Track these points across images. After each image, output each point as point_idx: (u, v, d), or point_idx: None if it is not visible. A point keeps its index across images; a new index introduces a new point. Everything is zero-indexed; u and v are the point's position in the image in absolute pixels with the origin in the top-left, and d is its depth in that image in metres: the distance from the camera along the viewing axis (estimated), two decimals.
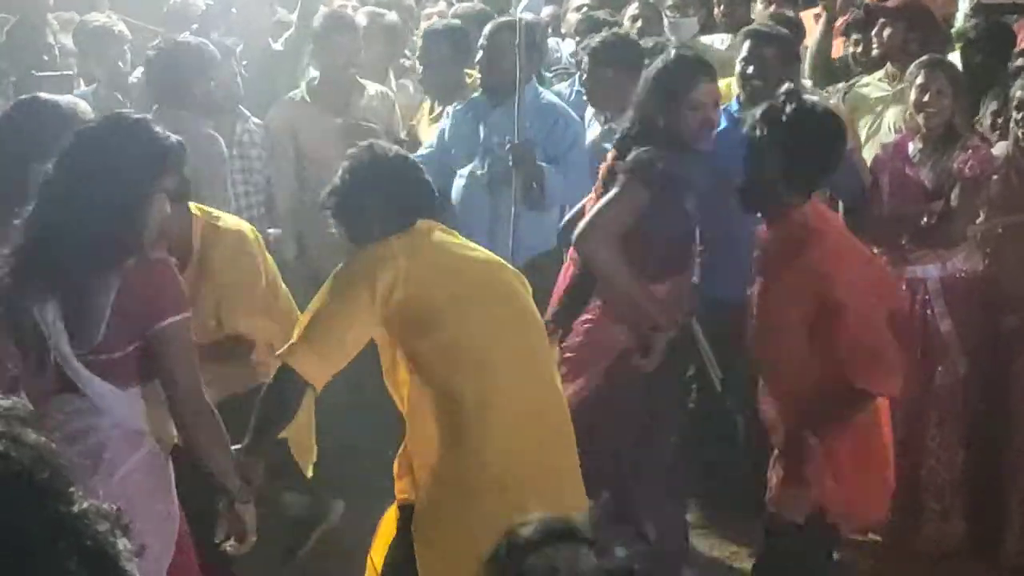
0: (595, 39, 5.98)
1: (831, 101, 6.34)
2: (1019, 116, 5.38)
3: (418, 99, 6.64)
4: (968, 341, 5.47)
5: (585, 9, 7.73)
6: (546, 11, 7.54)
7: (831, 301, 3.95)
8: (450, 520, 3.76)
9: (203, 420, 3.54)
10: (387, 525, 4.05)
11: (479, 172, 5.71)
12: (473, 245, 4.01)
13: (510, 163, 5.48)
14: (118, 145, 3.37)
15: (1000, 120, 5.76)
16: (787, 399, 4.17)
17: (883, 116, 6.30)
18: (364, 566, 4.12)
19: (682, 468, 4.89)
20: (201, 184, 4.52)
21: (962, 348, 5.46)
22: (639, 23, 7.10)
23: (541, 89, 5.95)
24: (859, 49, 6.76)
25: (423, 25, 7.53)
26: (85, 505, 1.53)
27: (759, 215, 4.28)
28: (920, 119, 5.50)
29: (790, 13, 7.10)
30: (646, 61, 5.36)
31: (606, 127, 5.82)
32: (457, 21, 6.55)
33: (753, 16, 7.14)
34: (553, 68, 7.39)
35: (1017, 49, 6.19)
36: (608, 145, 5.11)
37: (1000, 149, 5.55)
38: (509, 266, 4.08)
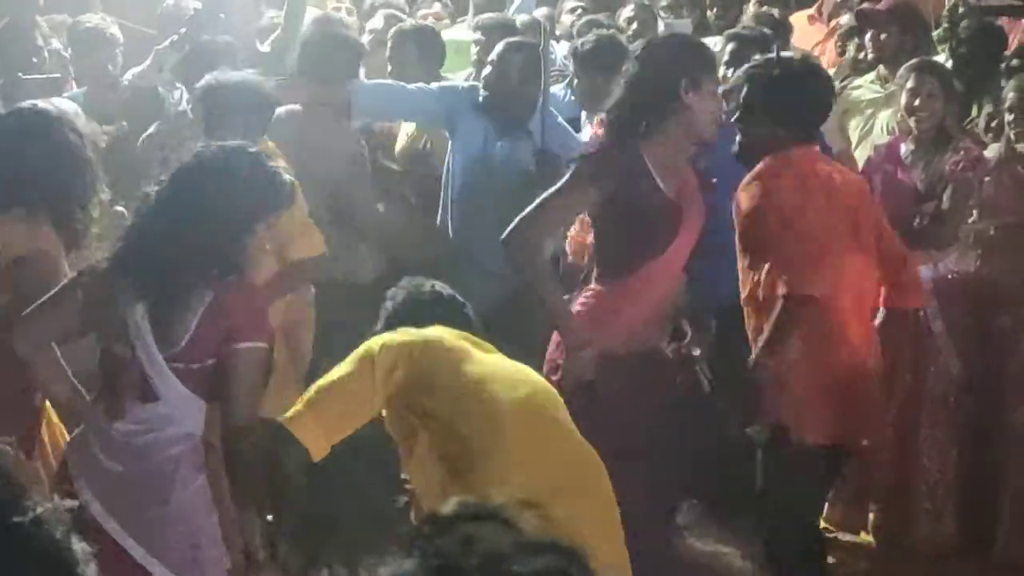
0: (583, 44, 5.97)
1: None
2: (1011, 118, 5.39)
3: None
4: (960, 342, 5.48)
5: (579, 11, 7.70)
6: (538, 13, 7.50)
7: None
8: None
9: (248, 450, 3.59)
10: None
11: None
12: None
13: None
14: (238, 175, 3.57)
15: (994, 122, 5.76)
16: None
17: (875, 118, 6.30)
18: None
19: (666, 479, 4.77)
20: None
21: (954, 349, 5.46)
22: (635, 25, 7.09)
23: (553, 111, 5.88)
24: (860, 55, 6.75)
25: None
26: (39, 511, 1.50)
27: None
28: (911, 123, 5.51)
29: (775, 12, 7.09)
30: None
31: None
32: (428, 23, 6.58)
33: (746, 18, 7.13)
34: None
35: (1008, 51, 6.18)
36: None
37: (992, 151, 5.56)
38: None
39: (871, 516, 5.59)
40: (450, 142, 5.83)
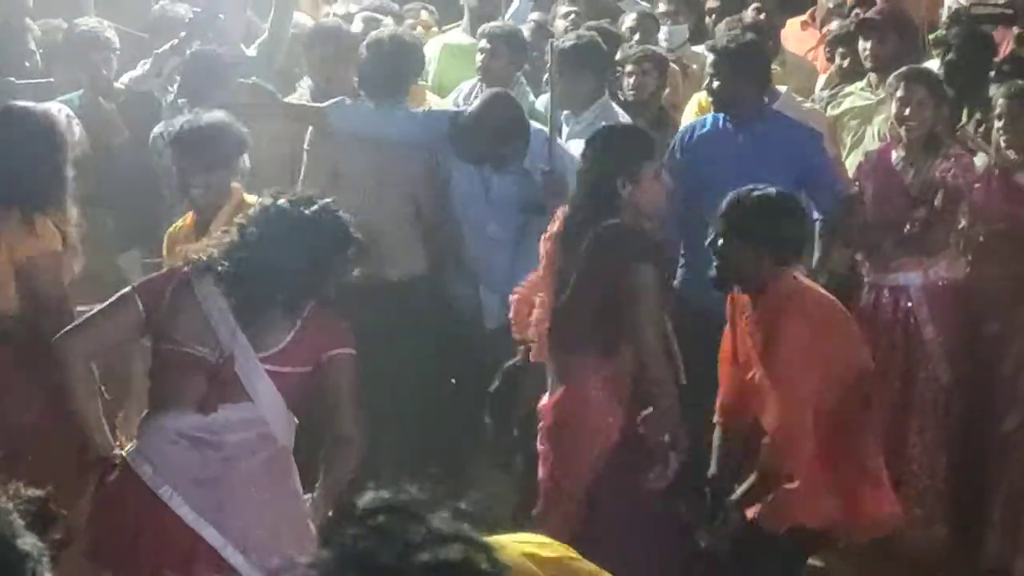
0: (565, 42, 5.98)
1: (813, 107, 6.37)
2: (1000, 125, 5.39)
3: None
4: (950, 348, 5.49)
5: (573, 16, 7.70)
6: (532, 17, 7.50)
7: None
8: None
9: (353, 452, 3.79)
10: None
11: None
12: None
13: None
14: (323, 227, 3.74)
15: (983, 129, 5.77)
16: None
17: (868, 124, 6.30)
18: None
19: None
20: None
21: (944, 355, 5.47)
22: (637, 35, 7.09)
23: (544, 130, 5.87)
24: (846, 62, 6.74)
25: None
26: (27, 548, 1.48)
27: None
28: (902, 131, 5.52)
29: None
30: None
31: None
32: (414, 33, 6.58)
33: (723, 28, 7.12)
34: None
35: (998, 58, 6.19)
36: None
37: (982, 158, 5.57)
38: None
39: None
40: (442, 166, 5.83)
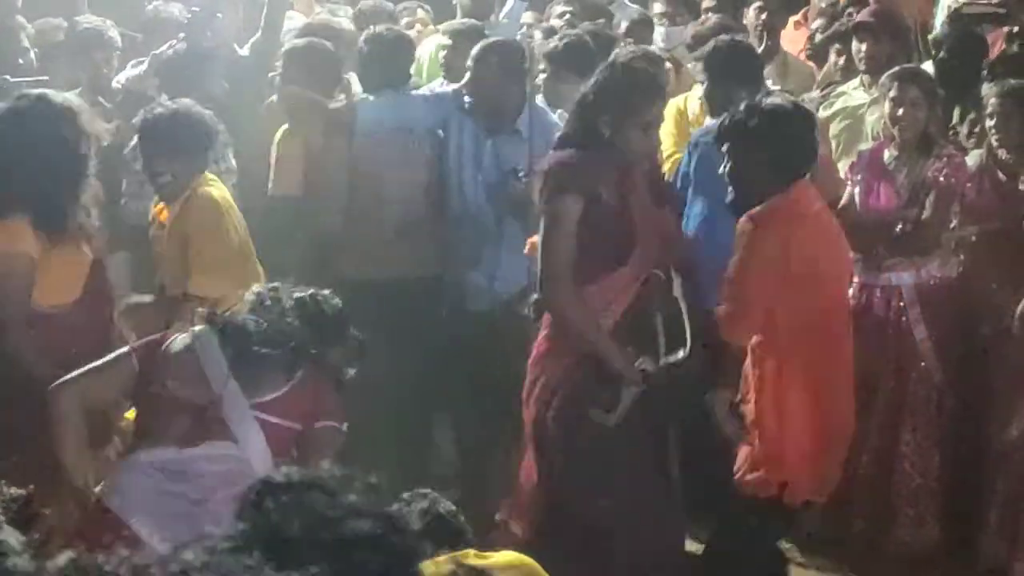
0: (556, 44, 6.00)
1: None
2: (992, 124, 5.41)
3: None
4: (942, 347, 5.49)
5: (568, 16, 7.71)
6: (526, 18, 7.51)
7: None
8: None
9: None
10: None
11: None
12: None
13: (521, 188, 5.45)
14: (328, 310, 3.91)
15: (976, 129, 5.78)
16: None
17: (861, 124, 6.31)
18: None
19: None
20: None
21: (936, 355, 5.47)
22: (631, 39, 7.10)
23: (543, 106, 5.90)
24: (842, 59, 6.75)
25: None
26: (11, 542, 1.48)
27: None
28: (895, 131, 5.53)
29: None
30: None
31: None
32: (414, 31, 6.60)
33: (745, 22, 7.13)
34: None
35: (989, 58, 6.20)
36: None
37: (974, 158, 5.58)
38: None
39: (853, 521, 5.59)
40: (443, 145, 5.88)
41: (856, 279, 5.45)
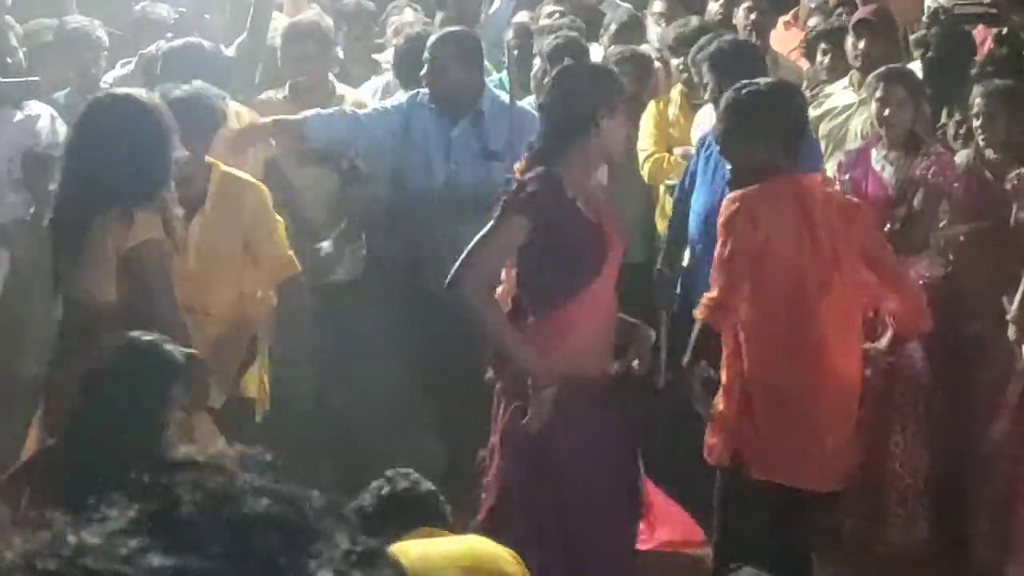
0: (551, 42, 6.01)
1: None
2: (979, 123, 5.41)
3: None
4: (931, 346, 5.48)
5: (557, 16, 7.70)
6: (518, 18, 7.51)
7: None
8: None
9: None
10: None
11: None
12: None
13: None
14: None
15: (963, 129, 5.79)
16: None
17: (849, 123, 6.31)
18: None
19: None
20: None
21: (925, 353, 5.47)
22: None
23: (500, 93, 5.94)
24: (827, 59, 6.75)
25: (388, 34, 7.53)
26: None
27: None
28: (882, 131, 5.54)
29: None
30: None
31: None
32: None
33: (735, 22, 7.13)
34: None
35: (978, 57, 6.21)
36: None
37: (962, 157, 5.58)
38: None
39: (843, 521, 5.59)
40: (407, 141, 5.89)
41: None
